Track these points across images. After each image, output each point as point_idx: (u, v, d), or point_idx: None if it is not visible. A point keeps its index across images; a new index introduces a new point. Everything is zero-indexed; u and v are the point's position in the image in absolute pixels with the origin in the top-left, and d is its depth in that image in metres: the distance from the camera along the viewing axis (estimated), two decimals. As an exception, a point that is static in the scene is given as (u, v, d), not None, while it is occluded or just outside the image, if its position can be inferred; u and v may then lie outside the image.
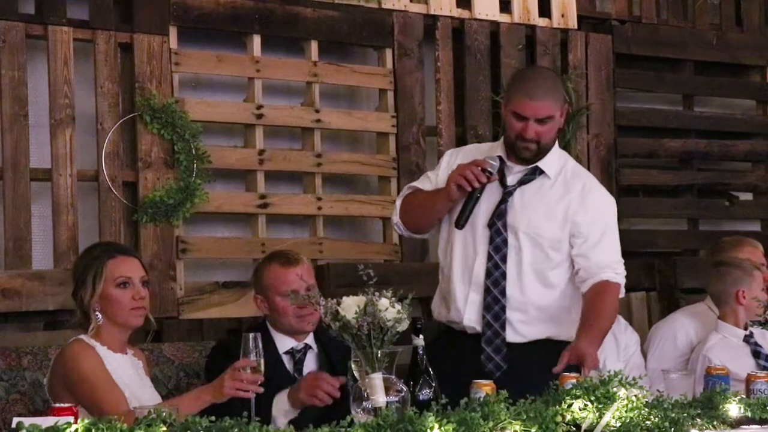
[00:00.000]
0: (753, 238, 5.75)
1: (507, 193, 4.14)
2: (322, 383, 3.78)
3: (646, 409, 3.40)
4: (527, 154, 4.14)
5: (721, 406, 3.60)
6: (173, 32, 5.18)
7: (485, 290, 4.11)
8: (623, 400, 3.36)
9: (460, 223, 4.08)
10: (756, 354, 4.86)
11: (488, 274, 4.11)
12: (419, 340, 3.60)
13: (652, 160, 6.52)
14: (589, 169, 6.08)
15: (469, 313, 4.12)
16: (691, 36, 6.62)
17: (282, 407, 3.84)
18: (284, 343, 4.11)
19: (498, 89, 5.95)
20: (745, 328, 4.92)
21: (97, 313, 3.73)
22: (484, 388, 3.44)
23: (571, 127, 6.04)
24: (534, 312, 4.14)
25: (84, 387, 3.58)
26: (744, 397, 3.75)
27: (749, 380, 3.94)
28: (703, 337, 4.98)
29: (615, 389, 3.37)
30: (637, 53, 6.46)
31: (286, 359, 4.10)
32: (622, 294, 4.20)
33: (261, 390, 3.50)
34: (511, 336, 4.09)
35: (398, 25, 5.73)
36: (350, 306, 3.25)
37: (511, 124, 4.13)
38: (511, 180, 4.18)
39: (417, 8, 5.81)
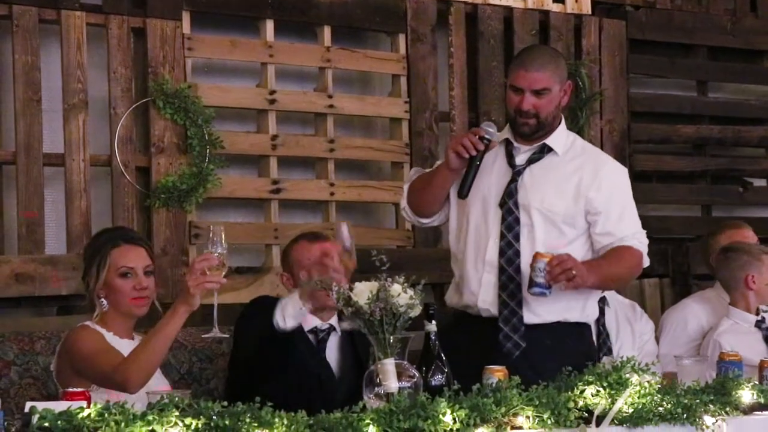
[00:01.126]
0: (766, 224, 5.76)
1: (516, 173, 4.13)
2: (329, 261, 3.73)
3: (659, 395, 3.40)
4: (526, 129, 4.13)
5: (733, 392, 3.60)
6: (186, 17, 5.17)
7: (499, 270, 4.09)
8: (636, 386, 3.36)
9: (463, 193, 4.06)
10: (767, 339, 4.86)
11: (501, 253, 4.09)
12: (432, 326, 3.59)
13: (666, 146, 6.50)
14: (602, 155, 6.11)
15: (483, 295, 4.11)
16: (705, 21, 6.60)
17: (294, 307, 3.76)
18: (308, 321, 4.08)
19: (511, 75, 5.93)
20: (757, 313, 4.91)
21: (102, 299, 3.75)
22: (496, 374, 3.44)
23: (585, 113, 6.02)
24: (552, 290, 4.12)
25: (87, 364, 3.60)
26: (757, 383, 3.75)
27: (762, 366, 3.94)
28: (714, 323, 4.98)
29: (627, 375, 3.37)
30: (651, 39, 6.44)
31: (311, 338, 4.09)
32: (646, 263, 4.19)
33: (225, 281, 3.48)
34: (527, 316, 4.08)
35: (411, 11, 5.72)
36: (363, 292, 3.25)
37: (510, 98, 4.15)
38: (519, 160, 4.17)
39: (430, -7, 5.80)
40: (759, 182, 6.76)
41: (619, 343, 4.76)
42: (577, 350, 4.06)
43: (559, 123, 4.21)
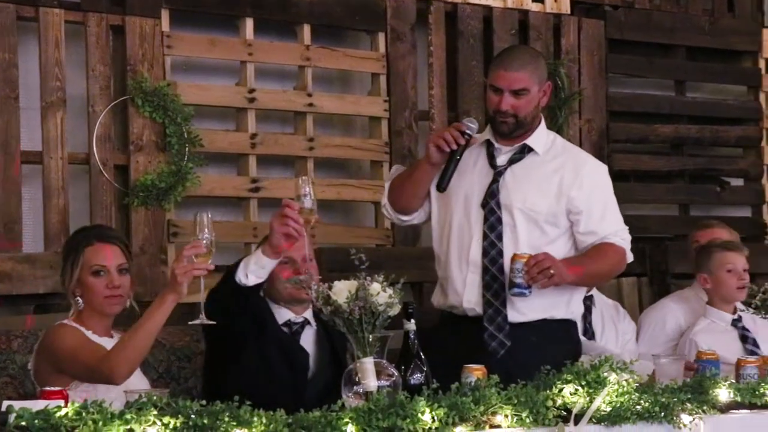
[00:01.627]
0: (743, 223, 5.79)
1: (498, 173, 4.15)
2: (286, 213, 3.68)
3: (637, 394, 3.41)
4: (505, 129, 4.15)
5: (711, 391, 3.62)
6: (165, 15, 5.16)
7: (483, 270, 4.11)
8: (614, 384, 3.37)
9: (442, 186, 4.08)
10: (744, 338, 4.88)
11: (485, 253, 4.11)
12: (411, 325, 3.59)
13: (644, 146, 6.52)
14: (581, 155, 6.12)
15: (468, 295, 4.12)
16: (684, 21, 6.62)
17: (257, 263, 3.72)
18: (281, 314, 4.09)
19: (490, 74, 5.94)
20: (734, 312, 4.94)
21: (78, 298, 3.74)
22: (475, 372, 3.45)
23: (564, 112, 6.04)
24: (534, 288, 4.13)
25: (69, 359, 3.59)
26: (734, 381, 3.77)
27: (739, 365, 3.96)
28: (692, 323, 5.00)
29: (606, 374, 3.38)
30: (630, 38, 6.46)
31: (285, 331, 4.09)
32: (629, 259, 4.22)
33: (212, 267, 3.49)
34: (512, 315, 4.09)
35: (391, 9, 5.72)
36: (342, 290, 3.25)
37: (489, 98, 4.17)
38: (501, 160, 4.19)
39: (410, -8, 5.80)
40: (736, 182, 6.79)
41: (603, 342, 4.78)
42: (563, 348, 4.07)
43: (539, 123, 4.23)
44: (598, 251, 4.12)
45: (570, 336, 4.24)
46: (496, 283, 4.08)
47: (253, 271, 3.71)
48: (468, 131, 4.04)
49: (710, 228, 5.37)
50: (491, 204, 4.12)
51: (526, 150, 4.19)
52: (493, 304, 4.08)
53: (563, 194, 4.13)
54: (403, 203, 4.27)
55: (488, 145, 4.21)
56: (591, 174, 4.21)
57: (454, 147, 4.03)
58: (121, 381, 3.48)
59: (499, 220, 4.12)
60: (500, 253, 4.10)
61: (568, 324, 4.23)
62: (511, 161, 4.17)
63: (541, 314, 4.12)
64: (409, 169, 4.28)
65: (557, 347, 4.05)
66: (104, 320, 3.78)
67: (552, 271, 3.88)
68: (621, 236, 4.17)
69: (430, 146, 4.09)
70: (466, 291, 4.13)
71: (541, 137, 4.22)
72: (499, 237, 4.11)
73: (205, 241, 3.46)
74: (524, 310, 4.09)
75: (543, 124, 4.26)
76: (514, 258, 3.94)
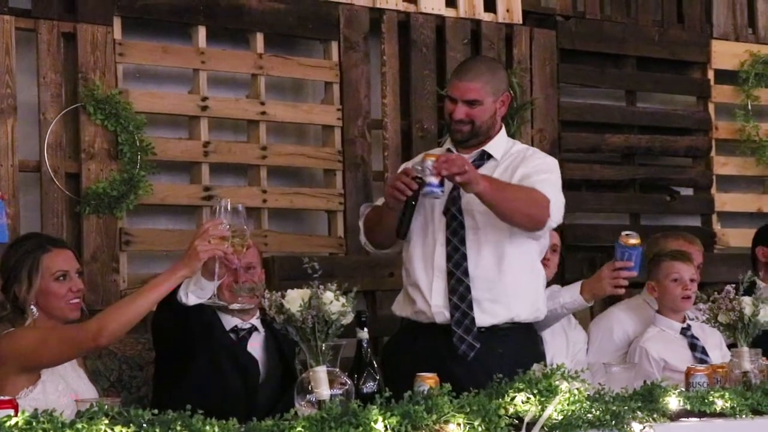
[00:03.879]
0: (693, 233, 5.84)
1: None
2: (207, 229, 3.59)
3: (588, 402, 3.44)
4: (459, 136, 4.22)
5: (661, 399, 3.65)
6: (117, 23, 5.14)
7: (448, 274, 4.14)
8: (565, 393, 3.39)
9: (401, 233, 4.12)
10: (693, 346, 4.93)
11: (449, 257, 4.16)
12: (364, 333, 3.61)
13: (595, 155, 6.57)
14: (533, 164, 6.16)
15: (435, 300, 4.15)
16: (634, 32, 6.68)
17: (196, 284, 3.69)
18: (228, 321, 4.09)
19: (443, 83, 5.95)
20: (683, 321, 4.98)
21: (33, 307, 3.71)
22: (427, 381, 3.46)
23: (516, 122, 6.07)
24: (499, 288, 4.16)
25: (39, 349, 3.55)
26: (683, 390, 3.81)
27: (688, 374, 4.00)
28: (640, 331, 5.04)
29: (557, 382, 3.41)
30: (581, 49, 6.51)
31: (231, 337, 4.08)
32: (553, 220, 4.13)
33: (230, 251, 3.48)
34: (479, 318, 4.12)
35: (344, 18, 5.73)
36: (295, 299, 3.25)
37: (446, 106, 4.25)
38: None
39: (363, 1, 5.80)
40: (686, 191, 6.85)
41: (553, 351, 4.80)
42: (531, 354, 4.16)
43: (499, 131, 4.29)
44: (521, 185, 4.12)
45: (536, 343, 4.30)
46: (462, 286, 4.12)
47: (194, 292, 3.69)
48: (419, 175, 4.04)
49: (677, 239, 5.43)
50: (453, 210, 4.18)
51: (486, 156, 4.26)
52: (459, 307, 4.11)
53: (517, 179, 4.16)
54: (379, 241, 4.32)
55: (449, 153, 4.25)
56: (536, 157, 4.26)
57: (409, 193, 4.02)
58: (106, 341, 3.45)
59: (462, 225, 4.17)
60: (464, 257, 4.14)
61: (534, 332, 4.30)
62: None
63: (507, 314, 4.16)
64: (377, 211, 4.29)
65: (524, 354, 4.11)
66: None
67: (465, 167, 3.89)
68: (548, 193, 4.11)
69: (388, 199, 4.11)
70: (433, 297, 4.16)
71: (501, 144, 4.28)
72: (462, 241, 4.15)
73: (226, 226, 3.44)
74: (492, 310, 4.13)
75: (503, 131, 4.33)
76: (425, 157, 3.94)
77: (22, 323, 3.71)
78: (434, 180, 3.91)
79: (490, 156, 4.25)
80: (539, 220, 4.11)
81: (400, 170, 4.16)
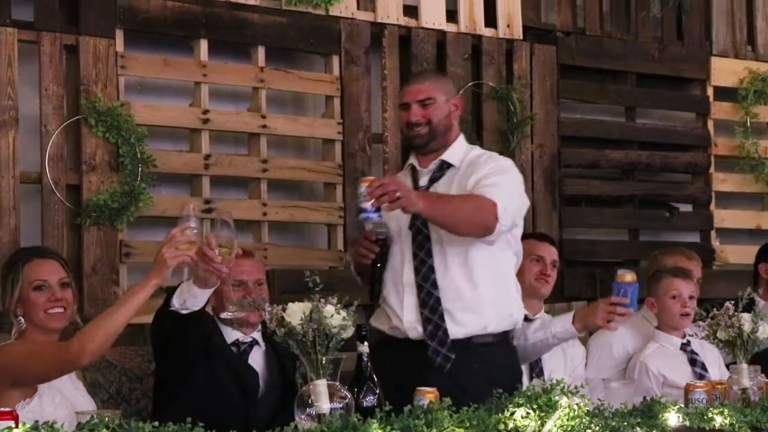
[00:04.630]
0: (692, 249, 5.85)
1: (428, 192, 4.20)
2: (205, 252, 3.61)
3: (587, 418, 3.44)
4: (420, 141, 4.26)
5: (660, 415, 3.65)
6: (120, 35, 5.15)
7: (417, 288, 4.16)
8: (565, 408, 3.40)
9: (373, 296, 4.14)
10: (692, 362, 4.93)
11: (417, 271, 4.18)
12: (364, 347, 3.62)
13: (595, 171, 6.58)
14: (532, 179, 6.19)
15: (407, 315, 4.17)
16: (634, 48, 6.70)
17: (188, 291, 3.71)
18: (230, 334, 4.10)
19: (444, 98, 5.98)
20: (683, 336, 4.99)
21: (20, 317, 3.73)
22: (427, 395, 3.46)
23: (516, 137, 6.09)
24: (469, 298, 4.17)
25: (26, 364, 3.58)
26: (683, 406, 3.81)
27: (688, 390, 4.00)
28: (639, 347, 5.04)
29: (557, 398, 3.41)
30: (581, 64, 6.52)
31: (233, 351, 4.09)
32: (502, 224, 4.07)
33: (197, 259, 3.51)
34: (452, 329, 4.13)
35: (345, 33, 5.75)
36: (296, 312, 3.26)
37: (401, 118, 4.32)
38: (423, 182, 4.29)
39: (364, 16, 5.83)
40: (685, 207, 6.87)
41: (551, 367, 4.81)
42: (507, 370, 4.18)
43: (456, 137, 4.33)
44: (465, 195, 4.12)
45: (512, 359, 4.31)
46: (432, 299, 4.14)
47: (187, 300, 3.70)
48: (380, 236, 4.08)
49: (674, 255, 5.45)
50: (417, 224, 4.19)
51: (445, 166, 4.28)
52: (431, 320, 4.13)
53: (470, 187, 4.16)
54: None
55: (412, 170, 4.32)
56: (489, 161, 4.27)
57: (372, 257, 4.11)
58: (88, 360, 3.47)
59: (427, 238, 4.18)
60: (431, 269, 4.16)
61: (512, 348, 4.29)
62: (432, 180, 4.27)
63: (480, 323, 4.16)
64: (355, 267, 4.36)
65: (501, 370, 4.14)
66: (48, 337, 3.76)
67: (398, 194, 3.83)
68: (495, 196, 4.08)
69: (353, 262, 4.27)
70: (405, 313, 4.18)
71: (459, 151, 4.31)
72: (429, 254, 4.18)
73: (194, 231, 3.45)
74: (464, 320, 4.14)
75: (461, 138, 4.37)
76: (361, 182, 3.90)
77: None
78: (369, 206, 3.82)
79: (449, 165, 4.27)
80: (487, 226, 4.07)
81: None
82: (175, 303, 3.71)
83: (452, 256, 4.16)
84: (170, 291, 3.81)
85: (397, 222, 4.20)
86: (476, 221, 4.06)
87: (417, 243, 4.19)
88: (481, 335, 4.18)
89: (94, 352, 3.46)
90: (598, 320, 4.44)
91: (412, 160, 4.35)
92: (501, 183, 4.14)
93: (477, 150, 4.40)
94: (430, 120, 4.23)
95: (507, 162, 4.34)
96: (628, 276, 4.38)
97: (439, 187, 4.23)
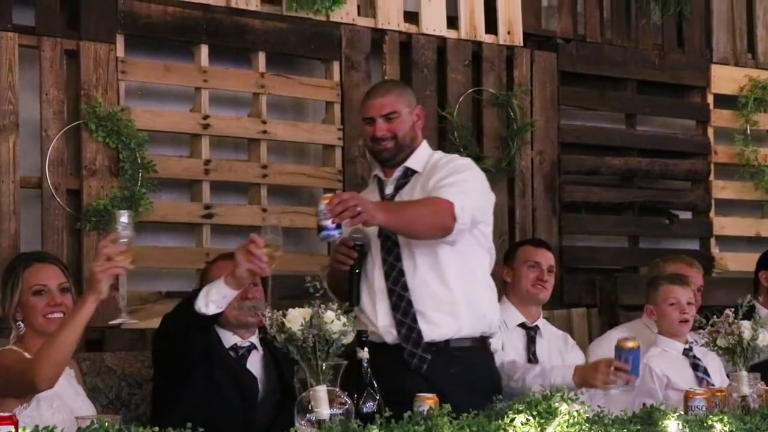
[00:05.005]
0: (691, 256, 5.85)
1: (387, 202, 4.23)
2: (251, 249, 3.68)
3: (587, 425, 3.44)
4: (386, 155, 4.29)
5: (660, 422, 3.65)
6: (120, 40, 5.15)
7: (389, 292, 4.19)
8: (565, 415, 3.39)
9: (352, 303, 4.15)
10: (695, 367, 4.93)
11: (387, 276, 4.21)
12: (364, 353, 3.62)
13: (595, 177, 6.59)
14: (532, 186, 6.20)
15: (381, 320, 4.20)
16: (634, 56, 6.71)
17: (218, 293, 3.73)
18: (228, 338, 4.10)
19: (444, 104, 5.99)
20: (685, 342, 4.99)
21: (19, 322, 3.74)
22: (427, 401, 3.46)
23: (516, 143, 6.09)
24: (441, 298, 4.19)
25: (2, 379, 3.56)
26: (682, 413, 3.81)
27: (687, 397, 4.00)
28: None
29: (557, 404, 3.41)
30: (582, 71, 6.53)
31: (231, 355, 4.09)
32: (460, 222, 4.11)
33: (131, 267, 3.48)
34: (426, 330, 4.15)
35: (346, 39, 5.75)
36: (296, 318, 3.26)
37: (365, 132, 4.34)
38: (389, 190, 4.32)
39: (365, 22, 5.83)
40: (684, 215, 6.87)
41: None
42: (484, 376, 4.23)
43: (419, 144, 4.35)
44: (422, 199, 4.15)
45: (490, 365, 4.33)
46: (403, 301, 4.17)
47: (215, 301, 3.72)
48: (357, 242, 4.11)
49: (675, 262, 5.44)
50: (385, 231, 4.20)
51: (409, 173, 4.31)
52: (404, 323, 4.16)
53: (432, 189, 4.19)
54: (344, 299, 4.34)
55: (378, 181, 4.35)
56: (448, 163, 4.30)
57: (351, 263, 4.13)
58: (45, 385, 3.44)
59: (396, 243, 4.21)
60: (401, 272, 4.19)
61: (490, 354, 4.31)
62: (398, 188, 4.30)
63: (455, 323, 4.18)
64: (332, 279, 4.32)
65: (478, 375, 4.18)
66: None
67: (358, 209, 3.84)
68: (451, 196, 4.11)
69: (332, 267, 4.26)
70: (379, 318, 4.21)
71: (422, 157, 4.34)
72: (398, 258, 4.21)
73: (124, 239, 3.43)
74: (437, 320, 4.16)
75: (424, 144, 4.39)
76: (320, 200, 3.89)
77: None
78: (330, 224, 3.84)
79: (413, 171, 4.30)
80: (445, 227, 4.12)
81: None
82: (201, 305, 3.72)
83: (421, 257, 4.19)
84: (187, 297, 3.83)
85: (369, 234, 4.23)
86: (434, 224, 4.12)
87: (386, 248, 4.22)
88: (457, 338, 4.21)
89: (50, 379, 3.44)
90: (598, 382, 4.41)
91: (377, 171, 4.39)
92: (457, 182, 4.19)
93: (438, 154, 4.43)
94: (395, 134, 4.26)
95: (465, 161, 4.38)
96: (629, 342, 4.37)
97: (404, 193, 4.28)
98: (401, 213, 4.10)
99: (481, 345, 4.31)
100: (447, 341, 4.19)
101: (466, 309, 4.22)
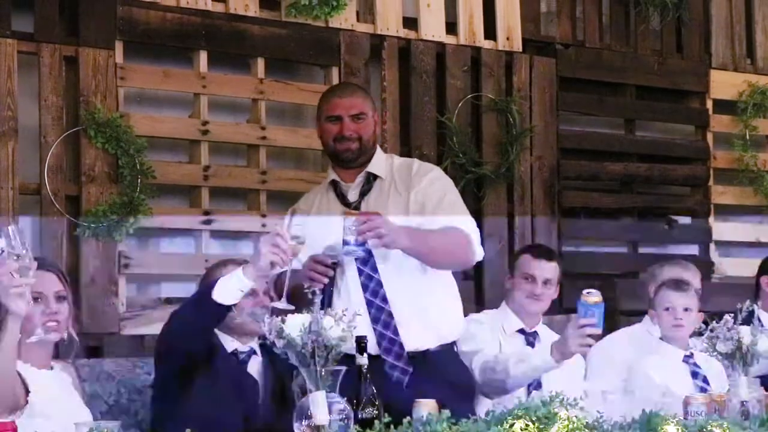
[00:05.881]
0: (690, 261, 5.84)
1: (354, 209, 4.15)
2: (277, 242, 3.64)
3: (587, 430, 3.43)
4: (349, 155, 4.20)
5: (659, 428, 3.64)
6: (119, 47, 5.16)
7: (367, 304, 4.12)
8: (564, 420, 3.39)
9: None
10: (694, 375, 4.92)
11: (365, 288, 4.15)
12: (363, 359, 3.61)
13: (594, 183, 6.59)
14: (532, 191, 6.20)
15: (360, 333, 4.14)
16: (633, 61, 6.72)
17: (237, 284, 3.70)
18: (229, 344, 4.10)
19: (443, 110, 5.99)
20: (686, 349, 4.98)
21: None
22: (426, 407, 3.45)
23: (515, 149, 6.09)
24: (422, 306, 4.17)
25: None
26: (682, 419, 3.80)
27: (687, 403, 3.99)
28: (639, 358, 5.03)
29: (556, 410, 3.40)
30: (581, 77, 6.54)
31: (232, 359, 4.09)
32: (478, 256, 4.22)
33: (33, 281, 3.32)
34: (408, 341, 4.12)
35: (345, 44, 5.75)
36: (295, 324, 3.25)
37: (328, 131, 4.22)
38: (352, 196, 4.24)
39: (364, 28, 5.84)
40: (684, 220, 6.87)
41: (549, 379, 4.79)
42: (463, 379, 4.26)
43: (375, 149, 4.30)
44: (443, 229, 4.15)
45: (456, 357, 4.33)
46: (383, 313, 4.12)
47: (232, 293, 3.70)
48: (333, 259, 4.05)
49: (671, 266, 5.44)
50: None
51: (372, 179, 4.25)
52: (385, 336, 4.12)
53: (411, 202, 4.18)
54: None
55: (334, 186, 4.27)
56: (421, 171, 4.27)
57: (326, 280, 4.03)
58: None
59: (370, 253, 4.11)
60: (379, 283, 4.14)
61: (452, 350, 4.32)
62: (362, 194, 4.23)
63: (436, 332, 4.18)
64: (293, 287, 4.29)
65: (456, 378, 4.18)
66: (42, 350, 3.72)
67: (383, 231, 3.87)
68: (466, 225, 4.19)
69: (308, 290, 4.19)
70: (357, 331, 4.15)
71: (381, 162, 4.29)
72: (374, 268, 4.14)
73: (18, 258, 3.28)
74: (417, 331, 4.13)
75: (379, 149, 4.33)
76: (347, 215, 3.91)
77: None
78: (353, 240, 3.86)
79: (375, 177, 4.25)
80: (466, 262, 4.29)
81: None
82: (216, 296, 3.69)
83: (396, 267, 4.14)
84: (202, 289, 3.85)
85: (333, 246, 4.11)
86: (455, 257, 4.23)
87: (361, 260, 4.12)
88: (436, 347, 4.20)
89: None
90: (573, 347, 4.41)
91: (333, 175, 4.28)
92: (457, 202, 4.25)
93: (397, 158, 4.40)
94: (360, 136, 4.19)
95: (436, 170, 4.38)
96: (593, 297, 4.36)
97: (371, 199, 4.20)
98: (424, 241, 4.09)
99: (451, 347, 4.30)
100: (426, 351, 4.17)
101: (443, 316, 4.21)
